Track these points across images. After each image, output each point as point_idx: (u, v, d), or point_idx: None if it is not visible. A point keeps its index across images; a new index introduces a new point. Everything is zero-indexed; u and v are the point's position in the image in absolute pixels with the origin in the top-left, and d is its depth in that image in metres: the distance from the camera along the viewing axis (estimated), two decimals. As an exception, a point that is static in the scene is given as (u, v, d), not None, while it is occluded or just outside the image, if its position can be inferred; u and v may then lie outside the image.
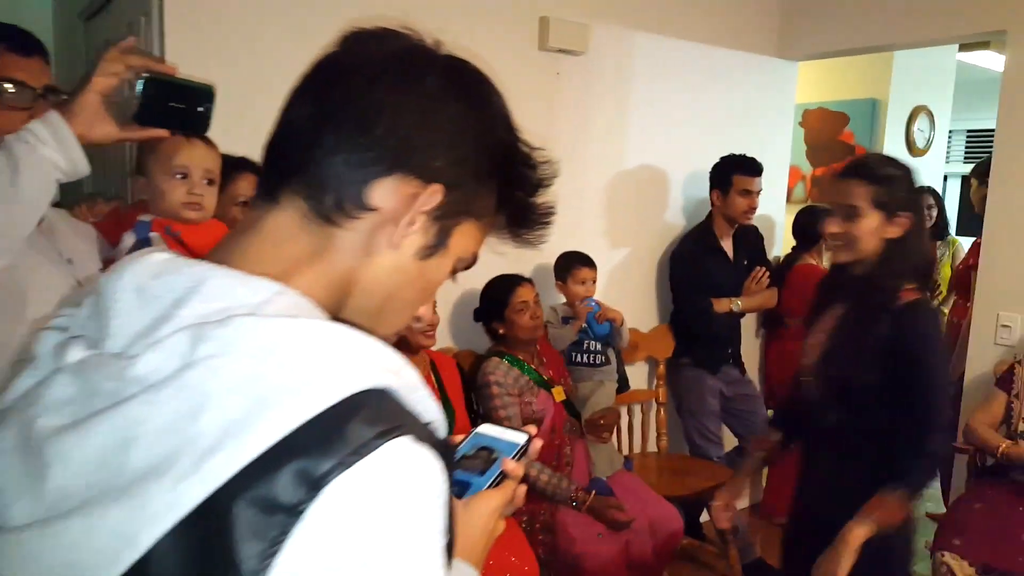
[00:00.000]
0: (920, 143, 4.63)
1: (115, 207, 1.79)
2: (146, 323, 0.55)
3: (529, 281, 2.59)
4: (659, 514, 2.64)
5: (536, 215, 0.71)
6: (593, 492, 2.49)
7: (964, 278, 3.56)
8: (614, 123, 3.20)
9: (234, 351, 0.51)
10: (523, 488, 0.79)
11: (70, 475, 0.51)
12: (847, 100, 4.55)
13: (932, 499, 3.99)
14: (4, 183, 1.12)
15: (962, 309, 3.52)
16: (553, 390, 2.60)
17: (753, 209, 3.24)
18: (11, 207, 1.15)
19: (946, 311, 3.95)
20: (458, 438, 0.82)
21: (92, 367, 0.56)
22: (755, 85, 3.62)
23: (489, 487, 0.75)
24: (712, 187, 3.26)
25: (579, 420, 2.70)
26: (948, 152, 5.67)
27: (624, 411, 3.15)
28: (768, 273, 3.34)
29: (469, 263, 0.70)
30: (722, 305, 3.23)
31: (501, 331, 2.55)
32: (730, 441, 3.42)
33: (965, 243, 4.06)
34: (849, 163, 1.81)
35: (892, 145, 4.51)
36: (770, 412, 3.28)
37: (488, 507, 0.74)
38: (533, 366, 2.58)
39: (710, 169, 3.26)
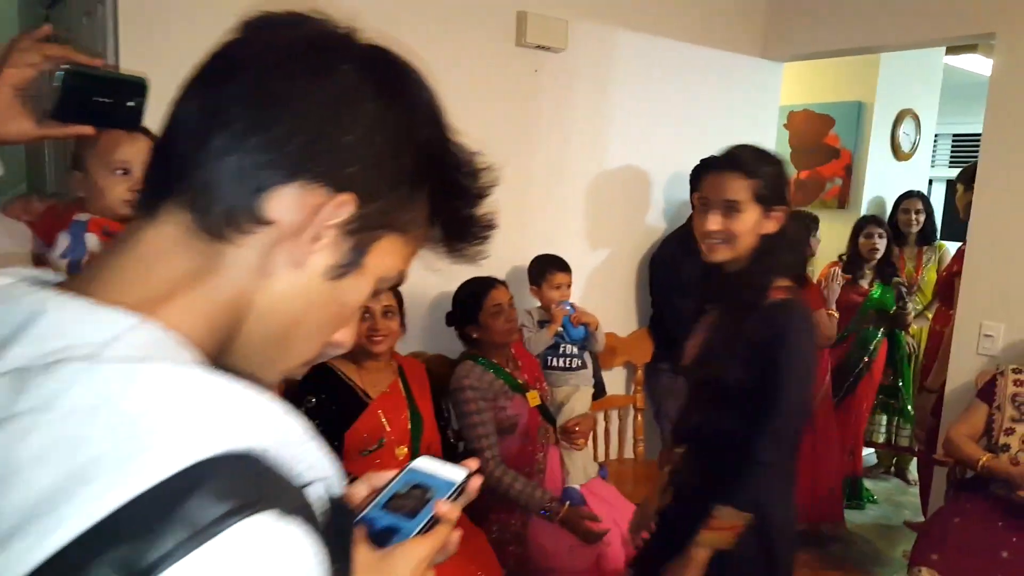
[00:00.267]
0: (906, 147, 4.60)
1: (51, 205, 1.71)
2: None
3: (503, 283, 2.52)
4: (633, 525, 2.57)
5: (475, 227, 0.61)
6: (567, 503, 2.43)
7: (948, 285, 3.51)
8: (594, 123, 3.12)
9: (56, 407, 0.42)
10: (457, 533, 0.70)
11: None
12: (832, 102, 4.51)
13: (910, 508, 3.97)
14: None
15: (945, 317, 3.47)
16: (528, 394, 2.54)
17: (734, 212, 3.17)
18: None
19: (930, 316, 3.92)
20: (388, 475, 0.74)
21: None
22: (739, 86, 3.56)
23: (419, 532, 0.67)
24: (692, 190, 3.18)
25: (554, 425, 2.64)
26: (934, 156, 5.65)
27: (601, 417, 3.09)
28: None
29: (395, 282, 0.60)
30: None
31: (475, 335, 2.48)
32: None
33: (951, 248, 4.03)
34: (723, 156, 1.70)
35: (877, 148, 4.47)
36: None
37: (414, 557, 0.65)
38: (508, 370, 2.52)
39: (690, 172, 3.19)
